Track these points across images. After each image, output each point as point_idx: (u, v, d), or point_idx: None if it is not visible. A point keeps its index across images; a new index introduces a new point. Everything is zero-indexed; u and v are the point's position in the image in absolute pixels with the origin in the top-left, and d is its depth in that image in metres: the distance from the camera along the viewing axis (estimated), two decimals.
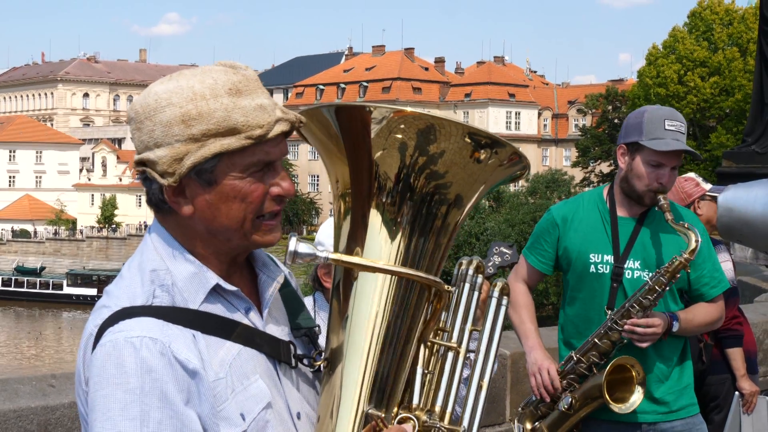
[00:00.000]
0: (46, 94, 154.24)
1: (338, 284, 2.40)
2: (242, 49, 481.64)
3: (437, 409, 2.36)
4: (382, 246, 2.33)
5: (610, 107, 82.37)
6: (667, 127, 4.79)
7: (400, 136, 2.30)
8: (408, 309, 2.33)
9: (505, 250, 5.53)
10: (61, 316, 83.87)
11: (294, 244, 2.22)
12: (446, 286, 2.36)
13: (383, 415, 2.29)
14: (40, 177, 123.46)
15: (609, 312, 4.83)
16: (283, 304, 2.52)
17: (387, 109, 2.28)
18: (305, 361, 2.44)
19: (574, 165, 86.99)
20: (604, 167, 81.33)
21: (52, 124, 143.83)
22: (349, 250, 2.36)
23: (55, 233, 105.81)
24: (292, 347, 2.42)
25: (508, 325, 3.83)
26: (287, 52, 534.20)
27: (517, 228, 60.44)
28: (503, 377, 6.81)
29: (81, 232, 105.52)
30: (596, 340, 4.83)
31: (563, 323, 5.14)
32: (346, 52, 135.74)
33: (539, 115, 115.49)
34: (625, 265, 4.87)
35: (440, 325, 2.44)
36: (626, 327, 4.74)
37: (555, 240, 5.09)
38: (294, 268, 2.70)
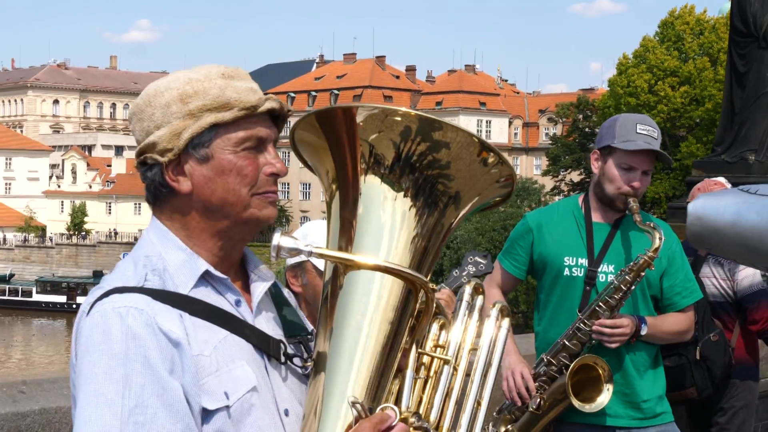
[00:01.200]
0: (15, 100, 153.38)
1: (327, 283, 2.41)
2: (213, 56, 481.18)
3: (431, 420, 2.38)
4: (369, 243, 2.34)
5: (580, 116, 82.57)
6: (638, 131, 4.85)
7: (393, 130, 2.32)
8: (395, 309, 2.33)
9: (479, 259, 5.54)
10: (30, 323, 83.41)
11: (278, 238, 2.28)
12: (432, 285, 2.36)
13: (367, 406, 2.28)
14: (10, 183, 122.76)
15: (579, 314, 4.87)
16: (275, 309, 2.57)
17: (379, 106, 2.33)
18: (296, 361, 2.47)
19: (545, 174, 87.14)
20: (575, 176, 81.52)
21: (21, 131, 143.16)
22: (336, 247, 2.38)
23: (25, 240, 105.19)
24: (282, 345, 2.46)
25: None
26: (258, 60, 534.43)
27: (487, 236, 60.59)
28: None
29: (50, 239, 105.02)
30: (565, 342, 4.87)
31: (538, 329, 5.17)
32: (317, 60, 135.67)
33: (510, 123, 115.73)
34: (599, 269, 4.91)
35: (438, 343, 2.47)
36: (594, 327, 4.77)
37: (529, 245, 5.12)
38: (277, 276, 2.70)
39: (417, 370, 2.41)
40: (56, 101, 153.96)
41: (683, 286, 5.03)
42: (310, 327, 2.64)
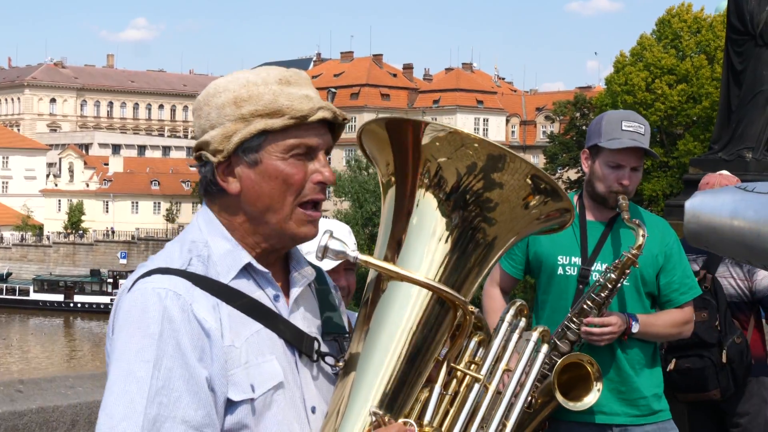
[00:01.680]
0: (12, 99, 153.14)
1: (368, 288, 2.46)
2: (211, 54, 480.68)
3: None
4: (415, 258, 2.38)
5: (578, 114, 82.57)
6: (624, 128, 4.86)
7: (462, 155, 2.35)
8: (431, 324, 2.36)
9: None
10: (27, 322, 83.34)
11: (326, 239, 2.31)
12: (471, 308, 2.39)
13: (387, 417, 2.31)
14: (7, 182, 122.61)
15: None
16: (317, 305, 2.63)
17: (449, 128, 2.35)
18: (328, 360, 2.52)
19: None
20: (572, 174, 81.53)
21: (18, 130, 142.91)
22: (383, 256, 2.42)
23: (22, 239, 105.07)
24: (316, 343, 2.51)
25: None
26: (256, 58, 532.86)
27: None
28: None
29: (48, 238, 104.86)
30: (556, 340, 4.86)
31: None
32: (315, 58, 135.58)
33: (507, 121, 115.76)
34: (593, 268, 4.91)
35: (474, 359, 2.50)
36: (583, 327, 4.77)
37: (525, 245, 5.13)
38: None
39: (447, 385, 2.44)
40: (53, 100, 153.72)
41: (681, 282, 5.02)
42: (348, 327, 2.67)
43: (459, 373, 2.46)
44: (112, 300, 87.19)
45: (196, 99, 2.54)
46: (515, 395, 2.54)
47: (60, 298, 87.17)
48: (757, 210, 4.01)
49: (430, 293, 2.33)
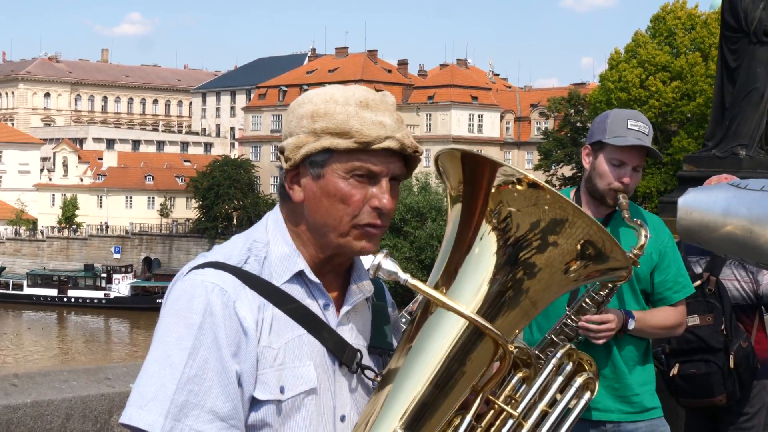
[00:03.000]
0: (6, 93, 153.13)
1: (418, 308, 2.51)
2: (205, 49, 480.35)
3: None
4: (464, 290, 2.40)
5: (572, 111, 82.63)
6: (629, 126, 4.84)
7: (531, 205, 2.37)
8: (471, 356, 2.39)
9: None
10: (21, 317, 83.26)
11: (380, 258, 2.34)
12: (511, 347, 2.40)
13: None
14: (1, 177, 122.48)
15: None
16: (370, 319, 2.68)
17: (529, 179, 2.37)
18: (368, 373, 2.57)
19: (537, 168, 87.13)
20: (566, 170, 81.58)
21: (12, 124, 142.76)
22: (434, 283, 2.46)
23: (16, 233, 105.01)
24: (358, 354, 2.56)
25: None
26: (250, 54, 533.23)
27: None
28: None
29: (41, 233, 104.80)
30: (553, 337, 4.87)
31: (533, 324, 5.17)
32: (309, 54, 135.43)
33: (502, 118, 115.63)
34: None
35: (514, 395, 2.53)
36: (580, 324, 4.78)
37: None
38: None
39: (482, 416, 2.47)
40: (47, 94, 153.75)
41: (675, 281, 5.02)
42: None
43: (496, 407, 2.49)
44: (105, 295, 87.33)
45: (291, 103, 2.61)
46: None
47: (54, 292, 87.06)
48: (750, 207, 4.02)
49: (472, 326, 2.36)
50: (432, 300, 2.38)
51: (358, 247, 2.51)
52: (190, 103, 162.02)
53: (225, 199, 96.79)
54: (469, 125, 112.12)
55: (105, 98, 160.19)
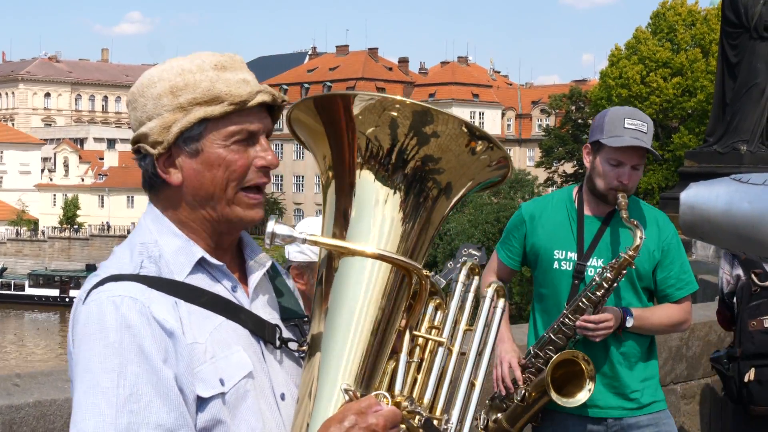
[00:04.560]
0: (7, 93, 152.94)
1: (321, 267, 2.44)
2: (205, 48, 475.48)
3: (425, 402, 2.39)
4: (363, 230, 2.35)
5: (573, 107, 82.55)
6: (626, 126, 4.83)
7: (389, 119, 2.33)
8: (388, 294, 2.35)
9: (473, 251, 5.57)
10: (23, 317, 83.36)
11: (272, 225, 2.29)
12: (425, 272, 2.37)
13: (359, 393, 2.30)
14: (1, 177, 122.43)
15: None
16: (274, 293, 2.60)
17: (372, 94, 2.34)
18: (291, 345, 2.50)
19: (538, 165, 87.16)
20: (568, 167, 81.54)
21: (13, 124, 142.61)
22: (330, 234, 2.39)
23: (17, 234, 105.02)
24: (278, 330, 2.48)
25: None
26: (251, 52, 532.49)
27: (480, 228, 60.51)
28: None
29: (43, 233, 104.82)
30: (551, 335, 4.87)
31: (532, 320, 5.18)
32: (310, 52, 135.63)
33: (503, 115, 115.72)
34: (588, 263, 4.90)
35: (434, 324, 2.48)
36: (578, 323, 4.78)
37: (522, 236, 5.13)
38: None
39: (412, 352, 2.42)
40: (48, 94, 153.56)
41: (678, 278, 5.02)
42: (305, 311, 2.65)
43: (421, 340, 2.44)
44: None
45: (130, 91, 2.50)
46: (479, 353, 2.55)
47: (55, 292, 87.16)
48: (752, 201, 4.02)
49: (383, 264, 2.32)
50: (336, 250, 2.34)
51: (248, 217, 2.43)
52: None
53: None
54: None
55: (105, 98, 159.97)
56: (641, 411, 5.01)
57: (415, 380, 2.42)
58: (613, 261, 4.77)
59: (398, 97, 2.31)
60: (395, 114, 2.32)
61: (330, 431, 2.20)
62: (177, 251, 2.41)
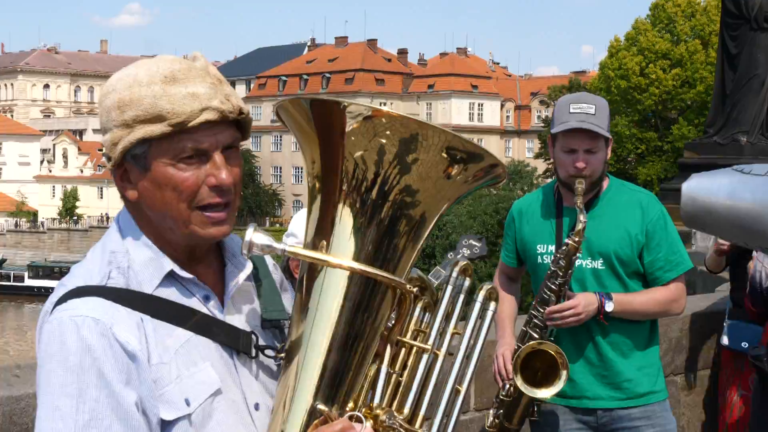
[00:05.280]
0: (6, 85, 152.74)
1: (302, 277, 2.37)
2: (204, 40, 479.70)
3: (406, 410, 2.34)
4: (347, 243, 2.29)
5: None
6: (571, 111, 4.80)
7: (377, 136, 2.25)
8: (370, 308, 2.30)
9: (474, 242, 5.56)
10: (23, 309, 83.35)
11: (250, 233, 2.22)
12: (409, 287, 2.34)
13: (333, 412, 2.26)
14: (0, 169, 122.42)
15: None
16: (256, 295, 2.51)
17: (365, 107, 2.26)
18: (268, 352, 2.42)
19: (537, 156, 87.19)
20: None
21: (12, 116, 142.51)
22: (313, 245, 2.33)
23: (16, 225, 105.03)
24: (254, 337, 2.41)
25: None
26: (249, 43, 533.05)
27: (479, 219, 60.46)
28: None
29: (42, 224, 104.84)
30: (528, 329, 4.84)
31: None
32: (309, 44, 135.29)
33: (502, 106, 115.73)
34: None
35: (420, 327, 2.43)
36: (545, 315, 4.74)
37: (514, 233, 5.14)
38: (275, 258, 2.69)
39: (394, 360, 2.38)
40: (47, 86, 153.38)
41: (666, 259, 4.93)
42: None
43: (407, 345, 2.39)
44: None
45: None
46: (467, 357, 2.49)
47: (55, 284, 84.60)
48: (754, 191, 4.02)
49: (363, 278, 2.27)
50: (314, 262, 2.30)
51: (208, 235, 2.32)
52: None
53: None
54: (470, 114, 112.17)
55: None
56: (633, 402, 4.96)
57: (398, 385, 2.37)
58: (560, 249, 4.74)
59: (393, 112, 2.25)
60: (386, 131, 2.25)
61: None
62: (146, 262, 2.32)
